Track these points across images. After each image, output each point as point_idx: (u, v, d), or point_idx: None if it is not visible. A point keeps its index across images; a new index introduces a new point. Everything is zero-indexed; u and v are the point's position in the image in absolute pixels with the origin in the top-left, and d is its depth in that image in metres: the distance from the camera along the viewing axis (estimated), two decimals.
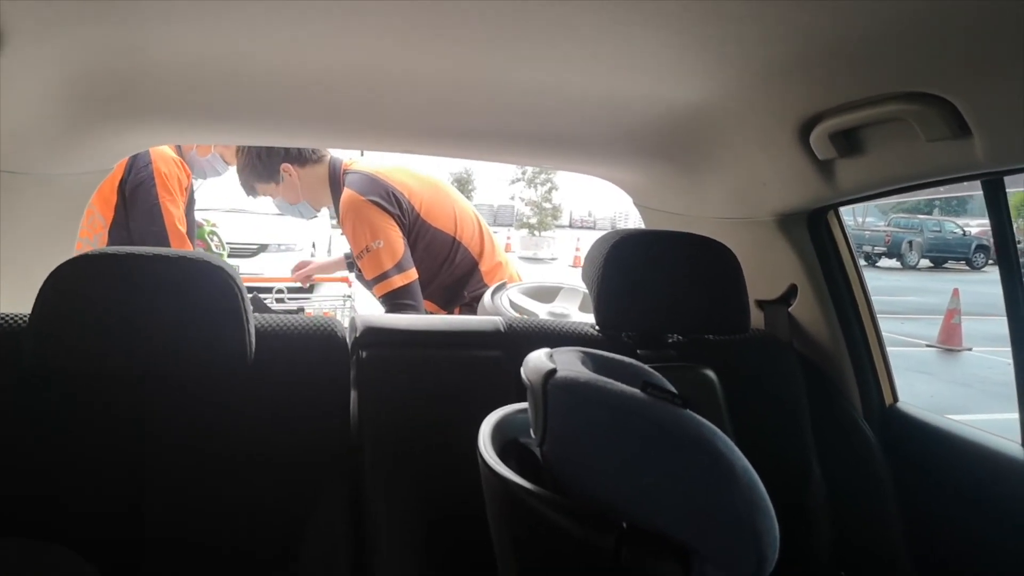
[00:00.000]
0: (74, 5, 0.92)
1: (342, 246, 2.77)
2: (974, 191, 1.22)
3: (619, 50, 1.03)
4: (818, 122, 1.17)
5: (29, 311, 0.99)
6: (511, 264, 2.35)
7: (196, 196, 2.42)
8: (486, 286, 2.18)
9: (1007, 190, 1.20)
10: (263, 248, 6.49)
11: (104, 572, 1.02)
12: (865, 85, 1.04)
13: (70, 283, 1.00)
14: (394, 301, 2.07)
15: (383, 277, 2.05)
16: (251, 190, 2.24)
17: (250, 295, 1.12)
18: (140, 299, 1.00)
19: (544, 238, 19.39)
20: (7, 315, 1.10)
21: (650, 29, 0.95)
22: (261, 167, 2.19)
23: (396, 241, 2.06)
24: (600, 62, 1.08)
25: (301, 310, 2.54)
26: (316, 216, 2.26)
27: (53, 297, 0.99)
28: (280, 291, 2.58)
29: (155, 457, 1.08)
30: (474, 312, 2.16)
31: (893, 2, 0.83)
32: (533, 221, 20.05)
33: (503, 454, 0.86)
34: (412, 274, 2.08)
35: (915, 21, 0.86)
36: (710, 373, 1.32)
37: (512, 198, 22.08)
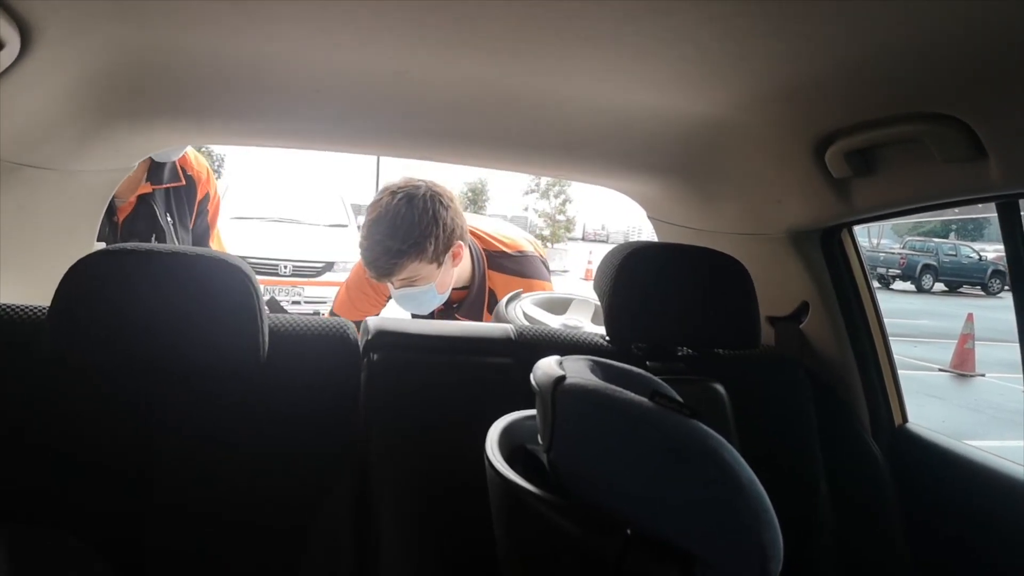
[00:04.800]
0: (102, 4, 0.94)
1: None
2: (989, 213, 1.21)
3: (637, 64, 1.04)
4: (834, 140, 1.17)
5: (48, 305, 1.01)
6: None
7: (229, 202, 2.43)
8: None
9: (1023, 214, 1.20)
10: (329, 267, 5.67)
11: (110, 561, 1.03)
12: (882, 104, 1.05)
13: (90, 277, 1.01)
14: None
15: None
16: (387, 268, 1.65)
17: (267, 297, 1.13)
18: (157, 294, 1.02)
19: (556, 250, 19.40)
20: (27, 307, 1.12)
21: (668, 44, 0.96)
22: (444, 239, 1.66)
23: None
24: (617, 75, 1.09)
25: (318, 313, 2.56)
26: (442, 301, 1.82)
27: (73, 290, 1.00)
28: (297, 302, 2.58)
29: (164, 451, 1.09)
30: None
31: (911, 22, 0.83)
32: (546, 233, 20.06)
33: (510, 460, 0.86)
34: None
35: (933, 42, 0.87)
36: (719, 387, 1.32)
37: (525, 209, 22.13)
